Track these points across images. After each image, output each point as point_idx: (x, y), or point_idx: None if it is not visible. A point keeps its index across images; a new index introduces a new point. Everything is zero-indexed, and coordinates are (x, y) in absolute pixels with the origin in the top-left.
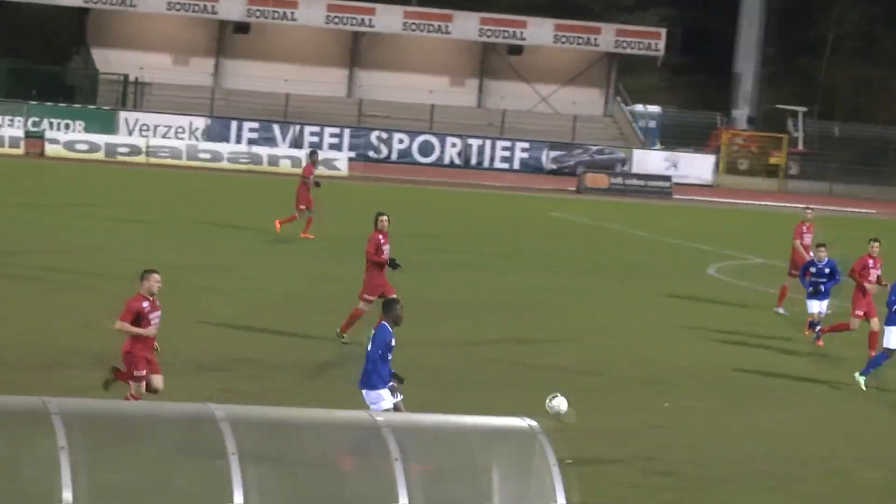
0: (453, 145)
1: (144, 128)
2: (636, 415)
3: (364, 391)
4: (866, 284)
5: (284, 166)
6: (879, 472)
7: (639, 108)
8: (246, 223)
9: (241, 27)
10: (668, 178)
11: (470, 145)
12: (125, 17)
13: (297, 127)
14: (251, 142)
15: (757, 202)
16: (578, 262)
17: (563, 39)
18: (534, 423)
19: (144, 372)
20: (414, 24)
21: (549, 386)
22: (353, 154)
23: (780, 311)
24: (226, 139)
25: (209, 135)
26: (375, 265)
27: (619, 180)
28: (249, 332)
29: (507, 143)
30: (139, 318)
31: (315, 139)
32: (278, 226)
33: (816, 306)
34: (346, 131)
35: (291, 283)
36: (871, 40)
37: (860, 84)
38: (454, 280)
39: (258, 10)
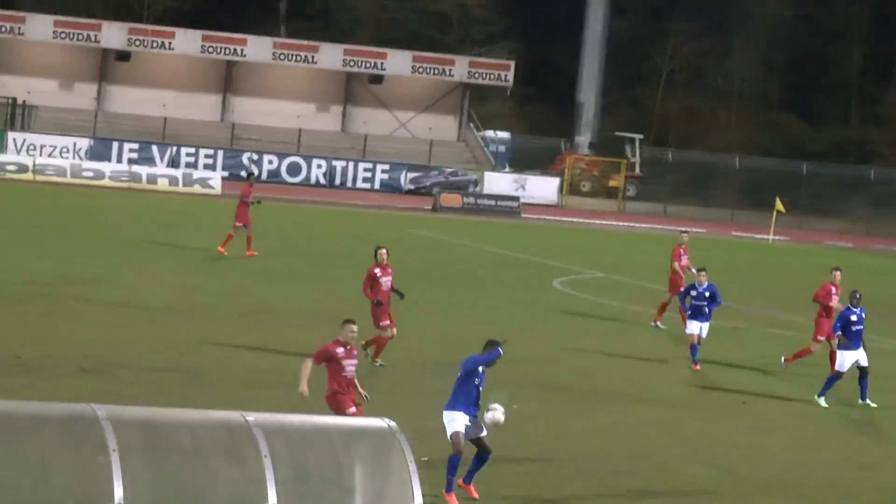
0: (319, 166)
1: (32, 147)
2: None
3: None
4: (832, 304)
5: (162, 184)
6: (707, 470)
7: (489, 133)
8: (125, 237)
9: (123, 55)
10: (516, 199)
11: (334, 166)
12: (14, 44)
13: (174, 148)
14: (131, 161)
15: (598, 221)
16: (434, 275)
17: (421, 70)
18: (392, 424)
19: (354, 410)
20: (283, 54)
21: (408, 388)
22: (226, 174)
23: (659, 325)
24: (108, 159)
25: (92, 154)
26: (377, 302)
27: (471, 200)
28: (127, 339)
29: (369, 165)
30: (332, 363)
31: (191, 159)
32: (221, 249)
33: (696, 328)
34: (220, 153)
35: (165, 293)
36: (701, 73)
37: (690, 113)
38: (320, 291)
39: (138, 40)
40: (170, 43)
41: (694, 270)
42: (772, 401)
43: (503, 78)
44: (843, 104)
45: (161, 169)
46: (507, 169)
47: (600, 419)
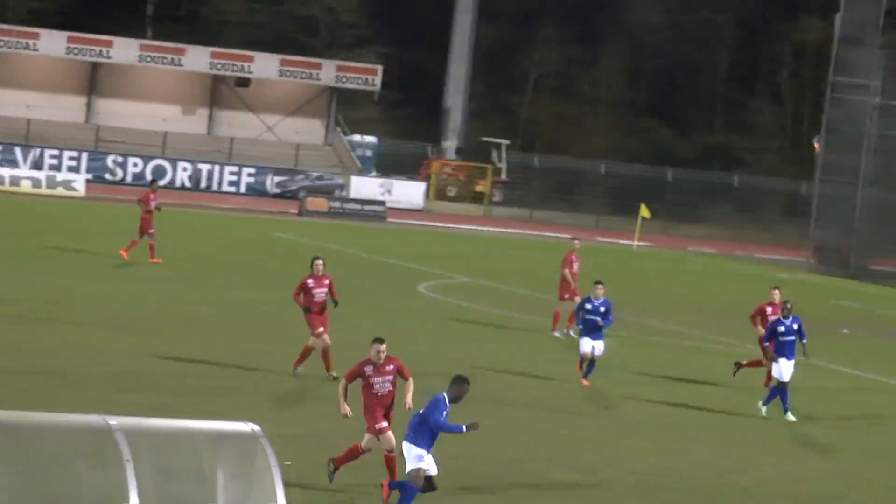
0: (184, 169)
1: None
2: (352, 421)
3: (406, 444)
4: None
5: (25, 186)
6: (572, 473)
7: (356, 138)
8: None
9: None
10: (382, 203)
11: (200, 170)
12: None
13: (38, 150)
14: None
15: (464, 226)
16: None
17: (288, 74)
18: (256, 428)
19: (384, 425)
20: (149, 56)
21: (270, 393)
22: (90, 176)
23: (557, 334)
24: None
25: None
26: (306, 308)
27: (337, 204)
28: None
29: (235, 169)
30: (363, 381)
31: (55, 161)
32: (124, 255)
33: (589, 346)
34: (84, 155)
35: (31, 295)
36: (568, 80)
37: (558, 119)
38: (183, 294)
39: (2, 40)
40: (34, 44)
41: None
42: (637, 405)
43: (370, 82)
44: (708, 111)
45: (24, 171)
46: (373, 173)
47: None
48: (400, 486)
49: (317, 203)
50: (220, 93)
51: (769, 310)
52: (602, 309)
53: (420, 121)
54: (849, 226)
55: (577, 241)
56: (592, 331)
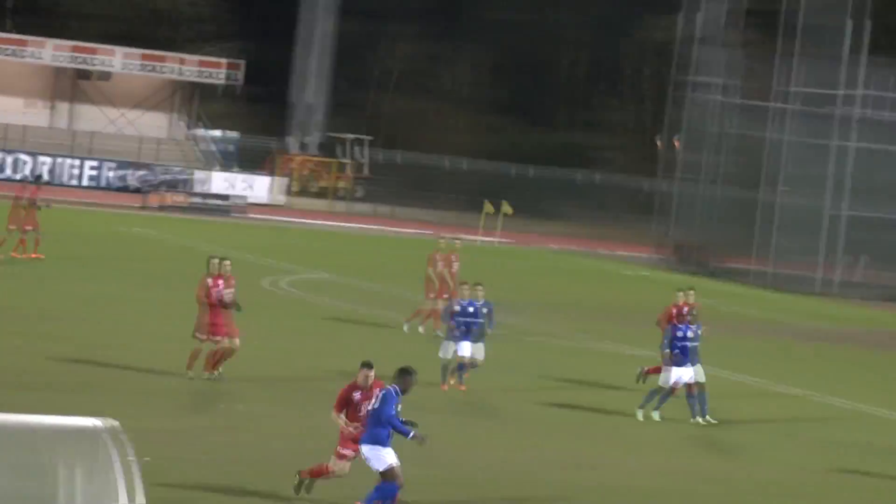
0: (43, 164)
1: None
2: (209, 416)
3: (366, 447)
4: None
5: None
6: (423, 469)
7: (213, 132)
8: None
9: None
10: (242, 198)
11: (44, 163)
12: None
13: None
14: None
15: (323, 222)
16: (152, 274)
17: (142, 67)
18: (99, 423)
19: (350, 453)
20: (6, 48)
21: (118, 388)
22: None
23: (406, 327)
24: None
25: None
26: (203, 305)
27: (198, 199)
28: None
29: (93, 163)
30: (350, 407)
31: None
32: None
33: (468, 349)
34: None
35: None
36: (429, 76)
37: (417, 116)
38: (28, 288)
39: None
40: None
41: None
42: (498, 400)
43: (232, 77)
44: (565, 109)
45: None
46: (230, 168)
47: (314, 417)
48: (377, 493)
49: (174, 198)
50: (76, 86)
51: (674, 311)
52: (484, 310)
53: (278, 116)
54: (704, 224)
55: (457, 242)
56: (473, 335)
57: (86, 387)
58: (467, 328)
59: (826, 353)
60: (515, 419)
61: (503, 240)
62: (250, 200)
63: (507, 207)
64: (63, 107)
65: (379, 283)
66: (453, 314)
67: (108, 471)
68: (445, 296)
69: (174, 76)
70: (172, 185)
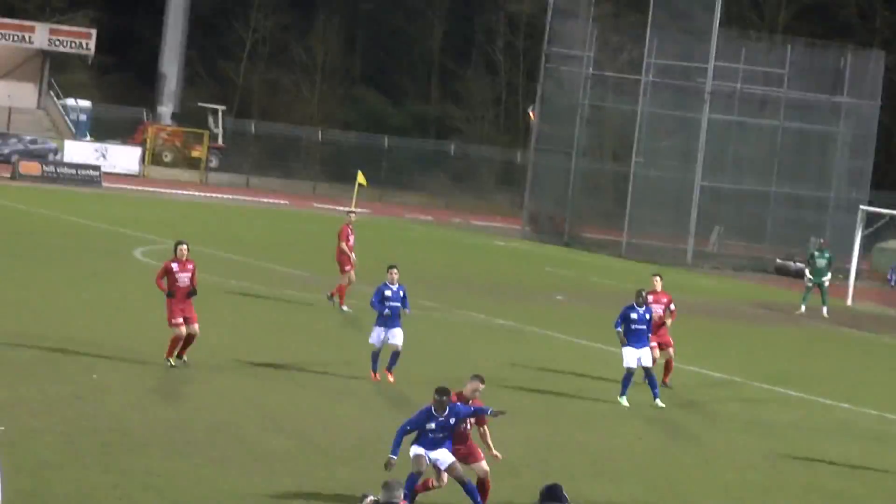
0: None
1: None
2: (64, 386)
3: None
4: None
5: None
6: (282, 439)
7: (70, 102)
8: None
9: None
10: (97, 168)
11: None
12: None
13: None
14: None
15: (180, 192)
16: (9, 245)
17: None
18: None
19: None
20: None
21: None
22: None
23: (346, 309)
24: None
25: None
26: (168, 293)
27: (51, 168)
28: None
29: None
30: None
31: None
32: None
33: (389, 335)
34: None
35: None
36: (284, 47)
37: (273, 86)
38: None
39: None
40: None
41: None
42: (350, 374)
43: (84, 46)
44: (423, 81)
45: None
46: (88, 138)
47: (178, 389)
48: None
49: (30, 167)
50: None
51: (650, 298)
52: (401, 294)
53: (135, 86)
54: (562, 195)
55: (352, 215)
56: (393, 319)
57: None
58: (391, 313)
59: (681, 323)
60: (366, 391)
61: (359, 210)
62: (105, 170)
63: (362, 178)
64: None
65: (234, 252)
66: (384, 299)
67: None
68: (347, 268)
69: (32, 45)
70: (30, 155)
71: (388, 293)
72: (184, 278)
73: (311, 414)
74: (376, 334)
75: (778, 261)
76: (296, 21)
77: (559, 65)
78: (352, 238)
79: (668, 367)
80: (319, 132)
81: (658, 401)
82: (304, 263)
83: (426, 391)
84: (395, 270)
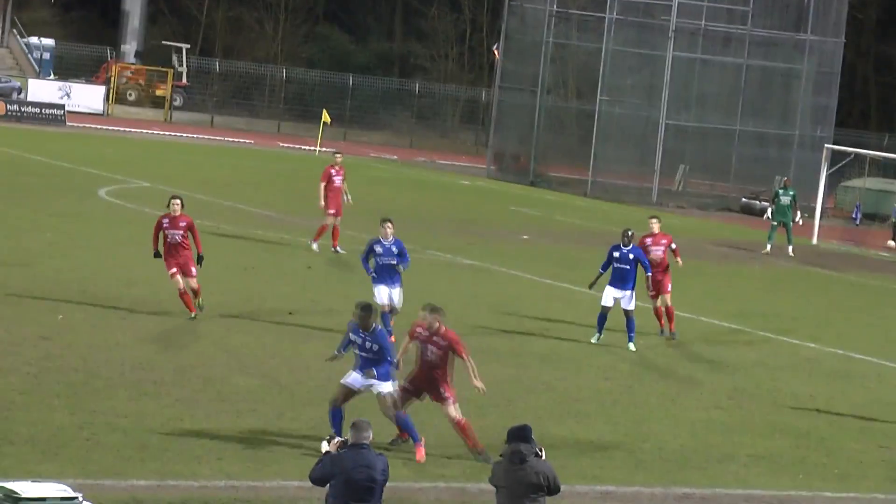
0: None
1: None
2: (29, 327)
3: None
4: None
5: None
6: (248, 379)
7: (33, 40)
8: None
9: None
10: (61, 107)
11: None
12: None
13: None
14: None
15: (144, 131)
16: None
17: None
18: None
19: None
20: None
21: None
22: None
23: (314, 246)
24: None
25: None
26: (155, 254)
27: (15, 108)
28: None
29: None
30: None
31: None
32: None
33: (386, 293)
34: None
35: None
36: None
37: (236, 24)
38: None
39: None
40: None
41: (348, 197)
42: (316, 315)
43: None
44: (386, 19)
45: None
46: (51, 77)
47: (144, 330)
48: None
49: None
50: None
51: (648, 241)
52: (395, 250)
53: (98, 24)
54: (527, 133)
55: (338, 156)
56: (387, 276)
57: None
58: (385, 270)
59: None
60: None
61: (323, 149)
62: (69, 109)
63: (326, 117)
64: None
65: (200, 191)
66: (372, 255)
67: None
68: (332, 211)
69: None
70: None
71: (378, 249)
72: (174, 235)
73: (277, 355)
74: (377, 292)
75: (743, 199)
76: None
77: (523, 2)
78: (336, 179)
79: (668, 314)
80: (283, 70)
81: (631, 345)
82: (269, 203)
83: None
84: (388, 224)
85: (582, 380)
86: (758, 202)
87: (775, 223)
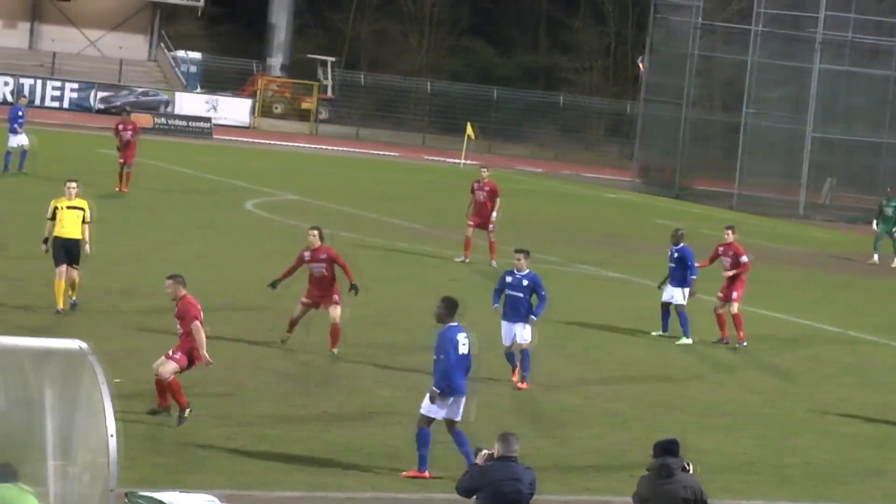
0: (6, 84)
1: None
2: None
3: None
4: (724, 273)
5: None
6: (395, 391)
7: (181, 54)
8: None
9: None
10: (208, 120)
11: (22, 84)
12: None
13: None
14: None
15: (290, 143)
16: (123, 196)
17: None
18: (84, 345)
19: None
20: None
21: (100, 309)
22: None
23: (463, 258)
24: None
25: None
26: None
27: (163, 121)
28: None
29: (58, 84)
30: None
31: None
32: None
33: (511, 332)
34: None
35: None
36: None
37: (382, 37)
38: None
39: None
40: None
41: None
42: None
43: None
44: (531, 31)
45: None
46: (198, 90)
47: (291, 342)
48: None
49: (142, 119)
50: (41, 6)
51: (721, 249)
52: (524, 283)
53: (244, 37)
54: (672, 146)
55: (483, 171)
56: (513, 311)
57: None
58: (511, 304)
59: (793, 275)
60: None
61: (468, 162)
62: (216, 122)
63: (470, 131)
64: (38, 27)
65: (344, 204)
66: (503, 287)
67: (94, 389)
68: (473, 222)
69: None
70: (142, 107)
71: (508, 279)
72: (316, 268)
73: (421, 368)
74: (503, 330)
75: None
76: None
77: (668, 14)
78: (479, 194)
79: (735, 321)
80: (428, 84)
81: (686, 339)
82: (415, 216)
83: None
84: (521, 256)
85: (727, 393)
86: None
87: (881, 234)
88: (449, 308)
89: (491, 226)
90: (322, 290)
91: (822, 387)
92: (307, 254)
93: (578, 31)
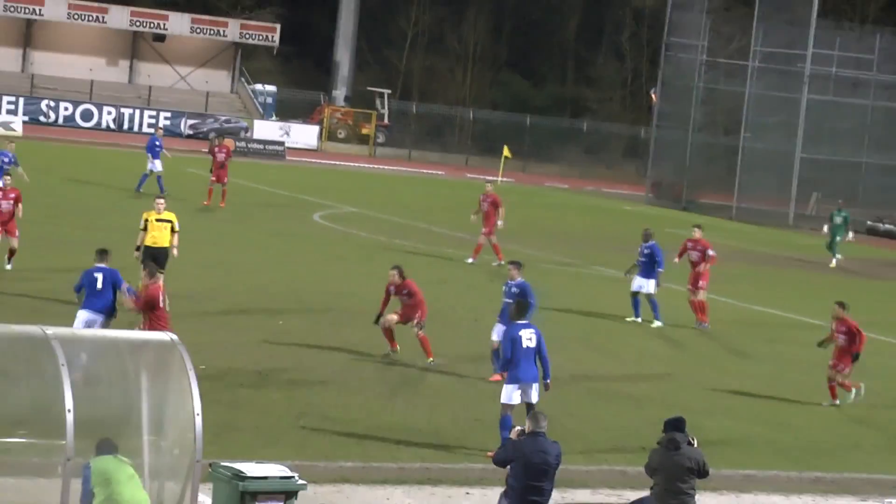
0: (109, 113)
1: None
2: (253, 331)
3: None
4: (693, 266)
5: None
6: (443, 377)
7: (258, 87)
8: None
9: None
10: (281, 143)
11: (123, 113)
12: None
13: None
14: None
15: (352, 164)
16: (207, 208)
17: (198, 30)
18: (174, 337)
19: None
20: (76, 14)
21: (185, 308)
22: (26, 118)
23: (470, 260)
24: None
25: None
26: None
27: (243, 144)
28: None
29: (153, 112)
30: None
31: None
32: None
33: (497, 333)
34: (21, 99)
35: None
36: (440, 37)
37: (431, 72)
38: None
39: None
40: None
41: (500, 222)
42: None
43: (270, 38)
44: (560, 66)
45: None
46: (273, 118)
47: (351, 335)
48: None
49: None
50: (138, 46)
51: (689, 244)
52: (514, 290)
53: (313, 72)
54: (680, 165)
55: (488, 185)
56: (505, 316)
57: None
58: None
59: (782, 276)
60: None
61: (505, 179)
62: (288, 145)
63: (507, 152)
64: (136, 65)
65: (398, 216)
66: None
67: (183, 376)
68: (485, 230)
69: (226, 38)
70: (225, 132)
71: (504, 288)
72: (402, 300)
73: (467, 357)
74: (494, 329)
75: (868, 223)
76: (450, 14)
77: (677, 52)
78: (483, 205)
79: (701, 307)
80: (471, 112)
81: (657, 322)
82: (458, 225)
83: (564, 331)
84: (512, 267)
85: (730, 379)
86: (881, 225)
87: (829, 240)
88: (519, 309)
89: (491, 229)
90: (410, 312)
91: (810, 373)
92: (392, 288)
93: (600, 67)
